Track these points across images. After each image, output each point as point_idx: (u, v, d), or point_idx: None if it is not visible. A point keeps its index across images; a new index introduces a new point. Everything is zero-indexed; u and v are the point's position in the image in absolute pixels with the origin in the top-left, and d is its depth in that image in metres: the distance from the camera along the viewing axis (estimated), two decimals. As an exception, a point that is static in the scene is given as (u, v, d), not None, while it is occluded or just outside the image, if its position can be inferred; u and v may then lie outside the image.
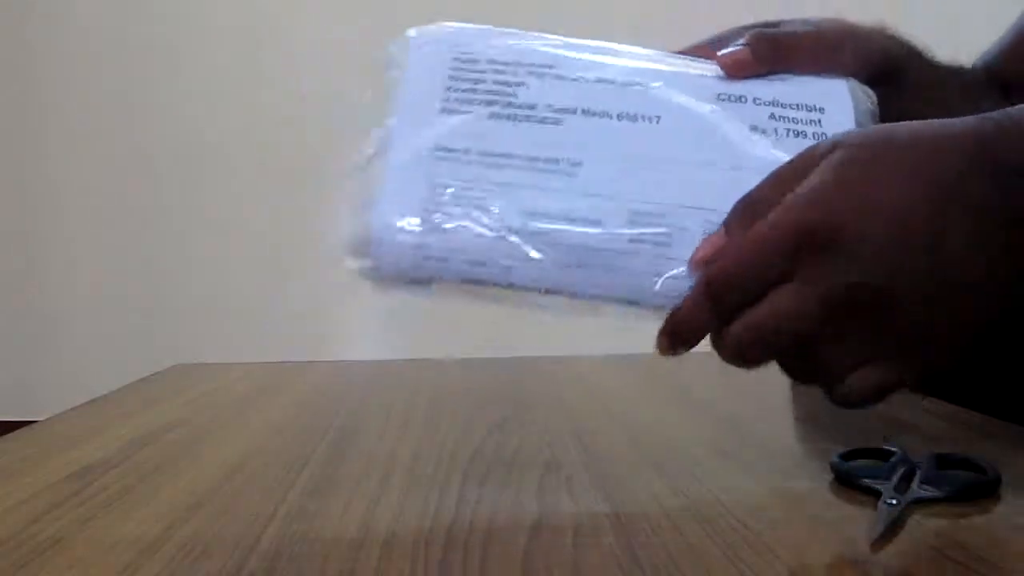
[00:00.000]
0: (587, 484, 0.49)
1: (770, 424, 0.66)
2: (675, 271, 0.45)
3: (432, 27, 0.51)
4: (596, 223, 0.45)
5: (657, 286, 0.45)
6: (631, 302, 0.46)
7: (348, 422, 0.68)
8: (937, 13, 2.37)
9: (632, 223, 0.45)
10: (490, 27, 0.51)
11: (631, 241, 0.45)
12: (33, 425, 0.67)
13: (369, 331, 2.66)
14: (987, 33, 0.77)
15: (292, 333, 2.59)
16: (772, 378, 0.76)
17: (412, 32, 0.50)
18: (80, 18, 2.66)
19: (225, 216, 2.65)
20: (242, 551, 0.40)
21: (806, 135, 0.48)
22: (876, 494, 0.43)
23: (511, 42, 0.50)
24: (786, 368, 0.44)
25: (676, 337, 0.45)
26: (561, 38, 0.51)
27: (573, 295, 0.46)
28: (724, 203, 0.45)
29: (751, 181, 0.45)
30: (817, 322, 0.41)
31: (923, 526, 0.40)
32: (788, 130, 0.48)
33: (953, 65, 0.64)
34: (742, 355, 0.43)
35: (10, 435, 0.64)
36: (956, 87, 0.62)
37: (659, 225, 0.45)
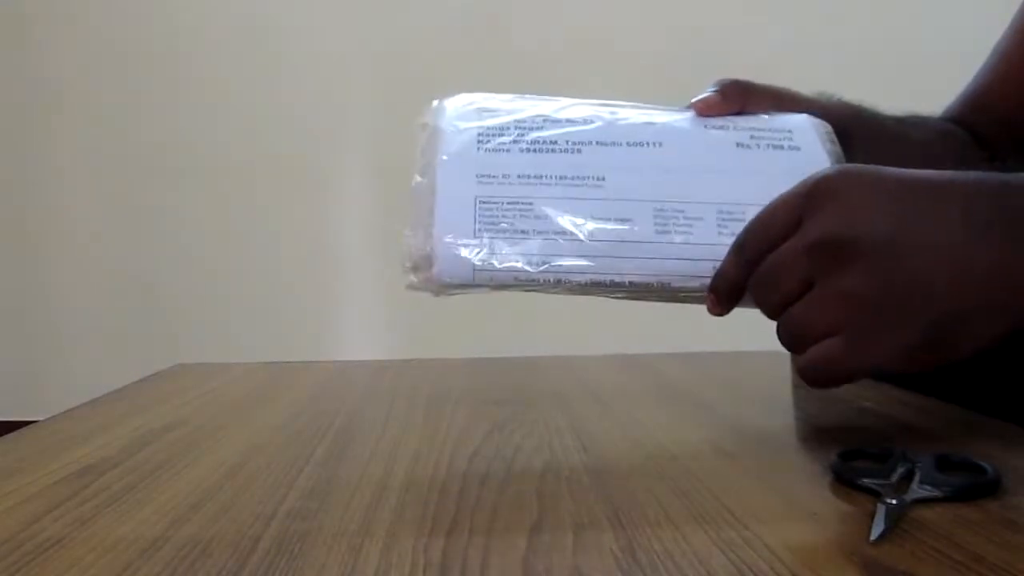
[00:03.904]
0: (587, 484, 0.49)
1: (770, 424, 0.66)
2: (701, 254, 0.52)
3: (453, 97, 0.60)
4: (627, 220, 0.53)
5: (688, 267, 0.52)
6: (663, 284, 0.53)
7: (348, 422, 0.68)
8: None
9: (657, 218, 0.53)
10: (500, 94, 0.60)
11: (659, 232, 0.53)
12: (33, 425, 0.67)
13: (369, 331, 2.66)
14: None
15: (292, 333, 2.59)
16: (772, 379, 0.77)
17: (435, 102, 0.59)
18: (82, 19, 2.66)
19: (226, 216, 2.65)
20: (242, 551, 0.40)
21: (783, 147, 0.57)
22: (876, 494, 0.43)
23: (521, 103, 0.59)
24: (778, 329, 0.49)
25: (717, 291, 0.51)
26: (560, 98, 0.60)
27: (614, 284, 0.52)
28: (731, 197, 0.53)
29: (748, 181, 0.54)
30: (803, 269, 0.46)
31: (923, 526, 0.40)
32: (768, 144, 0.57)
33: (909, 117, 0.68)
34: (759, 296, 0.49)
35: (10, 435, 0.64)
36: (915, 140, 0.66)
37: (681, 218, 0.53)
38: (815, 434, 0.65)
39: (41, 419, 0.70)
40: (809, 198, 0.47)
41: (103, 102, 2.66)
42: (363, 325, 2.66)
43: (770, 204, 0.49)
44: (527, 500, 0.46)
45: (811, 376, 0.47)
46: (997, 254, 0.44)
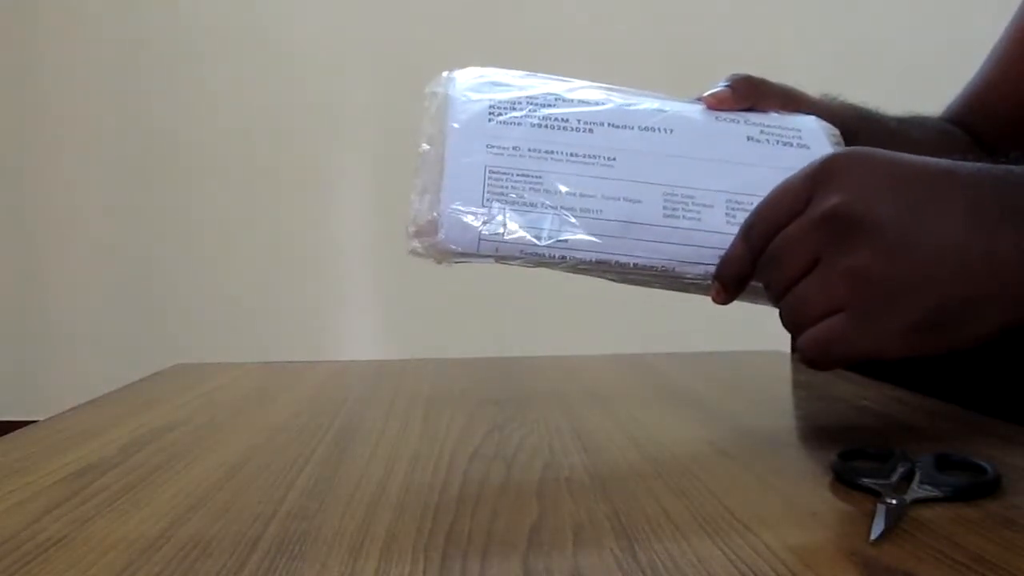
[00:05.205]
0: (587, 484, 0.49)
1: (770, 424, 0.66)
2: (708, 241, 0.52)
3: (463, 70, 0.59)
4: (636, 201, 0.53)
5: (694, 253, 0.52)
6: (668, 269, 0.53)
7: (348, 422, 0.68)
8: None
9: (667, 202, 0.53)
10: (511, 70, 0.60)
11: (667, 216, 0.52)
12: (33, 425, 0.67)
13: (369, 331, 2.66)
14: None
15: (292, 333, 2.59)
16: (772, 379, 0.77)
17: (445, 73, 0.59)
18: (82, 19, 2.66)
19: (225, 216, 2.65)
20: (242, 551, 0.40)
21: (791, 144, 0.57)
22: (876, 494, 0.43)
23: (532, 80, 0.59)
24: (781, 311, 0.48)
25: (722, 278, 0.51)
26: (571, 78, 0.60)
27: (619, 265, 0.52)
28: (742, 187, 0.53)
29: (758, 172, 0.54)
30: (809, 246, 0.46)
31: (923, 526, 0.40)
32: (777, 140, 0.58)
33: (909, 117, 0.68)
34: (767, 277, 0.49)
35: (10, 435, 0.64)
36: (916, 140, 0.66)
37: (689, 204, 0.53)
38: (815, 434, 0.65)
39: (41, 419, 0.70)
40: (816, 178, 0.47)
41: (103, 102, 2.66)
42: (363, 325, 2.66)
43: (778, 186, 0.49)
44: (527, 500, 0.46)
45: (810, 355, 0.47)
46: (1001, 243, 0.43)
